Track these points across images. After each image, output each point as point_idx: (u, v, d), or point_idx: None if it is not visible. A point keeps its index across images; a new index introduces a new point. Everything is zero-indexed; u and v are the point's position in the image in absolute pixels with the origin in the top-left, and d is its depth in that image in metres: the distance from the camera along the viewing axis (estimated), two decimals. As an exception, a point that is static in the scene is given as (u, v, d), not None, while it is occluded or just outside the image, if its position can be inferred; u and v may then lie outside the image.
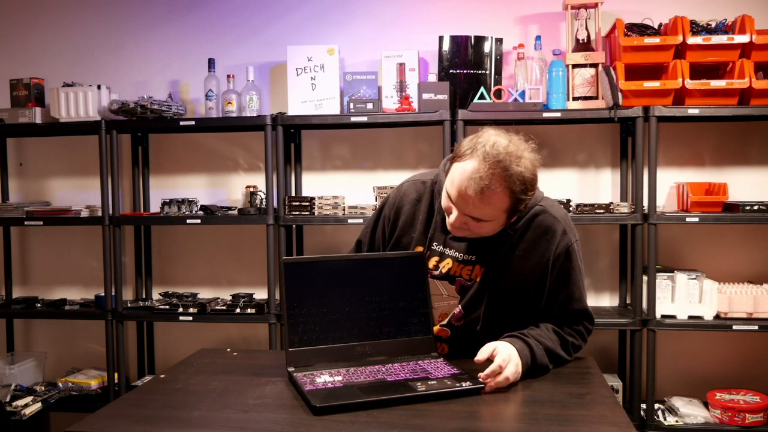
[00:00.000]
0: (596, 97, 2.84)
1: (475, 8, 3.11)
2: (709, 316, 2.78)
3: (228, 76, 3.07)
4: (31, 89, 3.14)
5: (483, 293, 1.68)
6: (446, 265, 1.72)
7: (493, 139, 1.52)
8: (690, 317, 2.79)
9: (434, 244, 1.73)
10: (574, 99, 2.85)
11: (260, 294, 3.16)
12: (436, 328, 1.73)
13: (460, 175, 1.52)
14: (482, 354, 1.51)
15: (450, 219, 1.59)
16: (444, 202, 1.61)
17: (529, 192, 1.53)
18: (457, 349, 1.73)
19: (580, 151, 3.09)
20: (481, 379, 1.45)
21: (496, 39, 2.96)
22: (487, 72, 2.96)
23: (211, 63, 3.09)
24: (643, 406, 2.82)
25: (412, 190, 1.79)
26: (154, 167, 3.34)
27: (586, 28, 2.87)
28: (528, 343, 1.56)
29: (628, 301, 3.02)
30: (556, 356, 1.62)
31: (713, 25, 2.79)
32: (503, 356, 1.49)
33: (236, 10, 3.26)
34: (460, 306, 1.71)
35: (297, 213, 2.93)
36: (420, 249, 1.74)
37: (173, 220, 3.03)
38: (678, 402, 2.87)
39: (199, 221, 2.98)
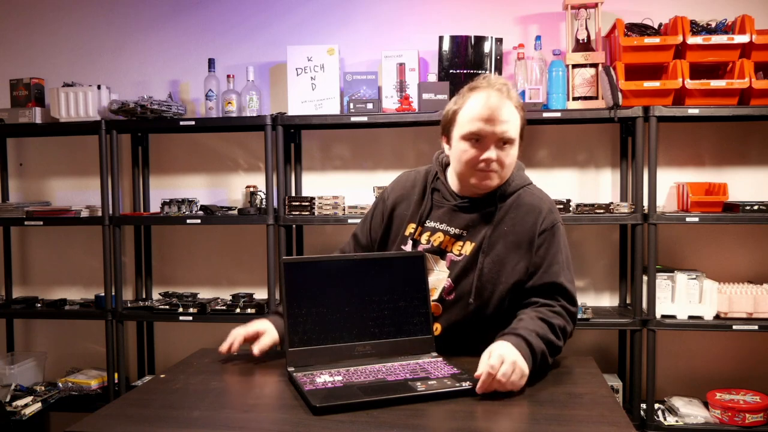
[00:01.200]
0: (596, 97, 2.84)
1: (475, 8, 3.11)
2: (709, 316, 2.78)
3: (228, 76, 3.07)
4: (31, 89, 3.14)
5: (473, 265, 1.71)
6: (437, 238, 1.76)
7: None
8: (690, 317, 2.79)
9: (426, 220, 1.78)
10: (574, 99, 2.85)
11: (260, 294, 3.16)
12: None
13: (474, 107, 1.66)
14: (480, 369, 1.46)
15: (486, 155, 1.65)
16: (466, 155, 1.67)
17: (524, 111, 1.72)
18: (451, 330, 1.72)
19: (580, 151, 3.09)
20: (477, 392, 1.42)
21: (496, 39, 2.96)
22: (487, 72, 2.95)
23: (211, 63, 3.09)
24: (643, 406, 2.82)
25: (406, 177, 1.90)
26: (154, 167, 3.34)
27: (586, 28, 2.87)
28: (521, 335, 1.53)
29: (628, 301, 3.02)
30: (549, 342, 1.59)
31: (713, 25, 2.79)
32: (493, 360, 1.44)
33: (236, 10, 3.26)
34: (450, 279, 1.72)
35: (297, 213, 2.93)
36: (413, 225, 1.79)
37: (173, 220, 3.03)
38: (678, 402, 2.87)
39: (199, 221, 2.98)
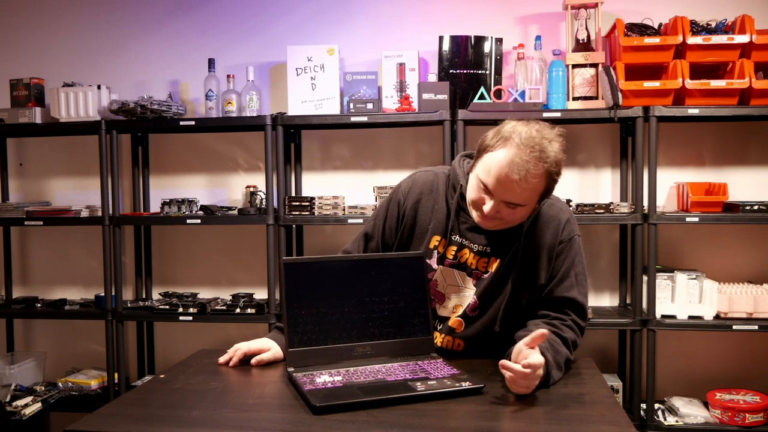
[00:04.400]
0: (596, 97, 2.84)
1: (475, 8, 3.11)
2: (709, 316, 2.78)
3: (228, 76, 3.07)
4: (31, 89, 3.14)
5: (499, 284, 1.71)
6: (464, 255, 1.75)
7: (521, 127, 1.59)
8: (690, 317, 2.79)
9: (452, 235, 1.76)
10: (574, 99, 2.85)
11: (260, 294, 3.16)
12: (452, 320, 1.74)
13: (497, 163, 1.56)
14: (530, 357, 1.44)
15: (486, 208, 1.61)
16: (475, 194, 1.64)
17: (560, 173, 1.60)
18: (474, 345, 1.74)
19: (580, 151, 3.09)
20: (508, 370, 1.41)
21: (496, 39, 2.96)
22: (487, 72, 2.96)
23: (211, 63, 3.09)
24: (643, 406, 2.82)
25: (423, 180, 1.83)
26: (154, 167, 3.34)
27: (586, 28, 2.87)
28: (558, 364, 1.54)
29: (628, 301, 3.02)
30: (567, 361, 1.61)
31: (713, 25, 2.79)
32: (534, 360, 1.43)
33: (236, 10, 3.26)
34: (475, 296, 1.73)
35: (297, 213, 2.93)
36: (437, 238, 1.76)
37: (173, 220, 3.03)
38: (678, 402, 2.87)
39: (199, 221, 2.98)
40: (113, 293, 3.07)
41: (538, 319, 1.69)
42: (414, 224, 1.79)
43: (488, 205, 1.61)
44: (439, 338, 1.75)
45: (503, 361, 1.43)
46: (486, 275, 1.72)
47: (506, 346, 1.61)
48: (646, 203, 2.77)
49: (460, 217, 1.75)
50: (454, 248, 1.75)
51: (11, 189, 3.43)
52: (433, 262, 1.76)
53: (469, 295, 1.74)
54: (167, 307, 3.03)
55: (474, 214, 1.68)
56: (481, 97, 2.83)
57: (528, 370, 1.40)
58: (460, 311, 1.74)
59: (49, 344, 3.46)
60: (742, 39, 2.70)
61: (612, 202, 2.85)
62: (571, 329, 1.67)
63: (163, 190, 3.31)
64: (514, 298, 1.71)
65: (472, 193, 1.66)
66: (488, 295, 1.72)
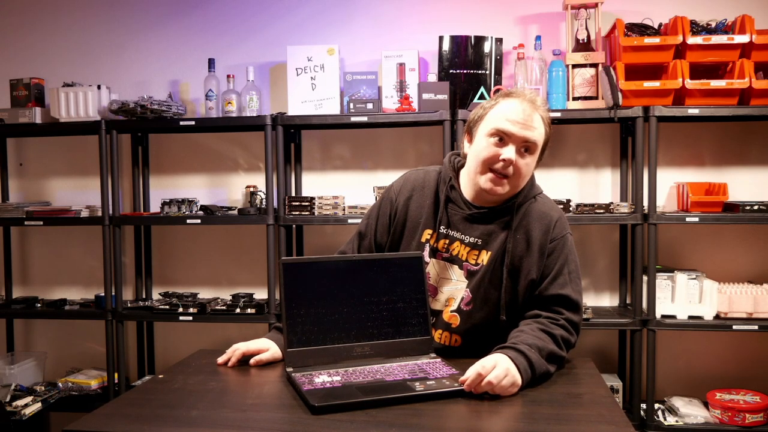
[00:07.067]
0: (596, 97, 2.84)
1: (475, 8, 3.11)
2: (709, 316, 2.78)
3: (228, 76, 3.07)
4: (31, 89, 3.14)
5: (491, 277, 1.71)
6: (455, 248, 1.76)
7: (505, 90, 1.78)
8: (690, 317, 2.79)
9: (442, 227, 1.78)
10: (574, 99, 2.85)
11: (260, 294, 3.16)
12: (446, 315, 1.75)
13: (510, 107, 1.69)
14: (470, 370, 1.46)
15: (506, 154, 1.67)
16: (487, 152, 1.69)
17: (550, 127, 1.75)
18: (472, 340, 1.74)
19: (580, 151, 3.08)
20: (464, 389, 1.43)
21: (496, 39, 2.96)
22: (487, 72, 2.95)
23: (211, 63, 3.09)
24: (643, 406, 2.82)
25: (415, 177, 1.87)
26: (154, 167, 3.35)
27: (586, 28, 2.87)
28: (520, 350, 1.52)
29: (628, 301, 3.02)
30: (551, 354, 1.59)
31: (713, 25, 2.79)
32: (486, 362, 1.45)
33: (236, 10, 3.26)
34: (468, 289, 1.73)
35: (297, 213, 2.93)
36: (429, 231, 1.78)
37: (173, 220, 3.03)
38: (678, 402, 2.87)
39: (199, 221, 2.98)
40: (113, 293, 3.07)
41: (529, 318, 1.69)
42: (405, 220, 1.82)
43: (508, 152, 1.66)
44: (436, 334, 1.76)
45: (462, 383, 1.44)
46: (477, 267, 1.73)
47: (504, 342, 1.60)
48: (646, 203, 2.77)
49: (451, 209, 1.78)
50: (446, 241, 1.77)
51: (11, 189, 3.43)
52: (425, 256, 1.77)
53: (461, 287, 1.74)
54: (167, 307, 3.03)
55: (483, 179, 1.70)
56: (481, 97, 2.83)
57: (481, 370, 1.42)
58: (454, 305, 1.75)
59: (49, 344, 3.46)
60: (742, 39, 2.70)
61: (612, 202, 2.85)
62: (563, 328, 1.66)
63: (163, 190, 3.31)
64: (509, 292, 1.71)
65: (483, 153, 1.69)
66: (480, 288, 1.72)
